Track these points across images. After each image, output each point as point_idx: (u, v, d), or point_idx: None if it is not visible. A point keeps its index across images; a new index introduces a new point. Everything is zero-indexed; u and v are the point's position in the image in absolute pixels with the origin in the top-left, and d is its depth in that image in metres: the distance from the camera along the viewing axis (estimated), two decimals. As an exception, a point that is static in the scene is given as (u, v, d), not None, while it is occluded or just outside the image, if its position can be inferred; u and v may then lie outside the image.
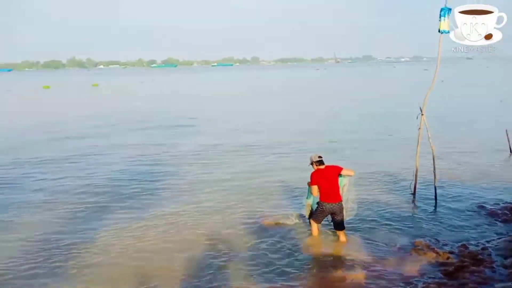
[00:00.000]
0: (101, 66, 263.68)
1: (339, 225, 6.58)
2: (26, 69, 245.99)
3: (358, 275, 5.69)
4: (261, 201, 8.65)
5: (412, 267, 5.77)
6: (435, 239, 6.60)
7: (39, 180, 10.51)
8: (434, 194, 8.32)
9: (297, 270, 5.84)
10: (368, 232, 6.99)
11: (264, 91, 43.12)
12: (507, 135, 12.07)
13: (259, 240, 6.77)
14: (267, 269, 5.87)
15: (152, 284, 5.57)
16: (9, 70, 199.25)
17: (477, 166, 10.92)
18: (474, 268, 5.52)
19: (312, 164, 6.63)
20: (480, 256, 5.83)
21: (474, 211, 7.78)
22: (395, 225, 7.26)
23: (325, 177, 6.44)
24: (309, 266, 5.99)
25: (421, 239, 6.55)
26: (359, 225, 7.25)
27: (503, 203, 8.05)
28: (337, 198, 6.47)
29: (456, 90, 34.90)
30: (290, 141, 14.90)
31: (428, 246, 6.27)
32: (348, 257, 6.16)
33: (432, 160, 8.32)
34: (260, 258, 6.20)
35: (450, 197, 8.54)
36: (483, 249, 6.12)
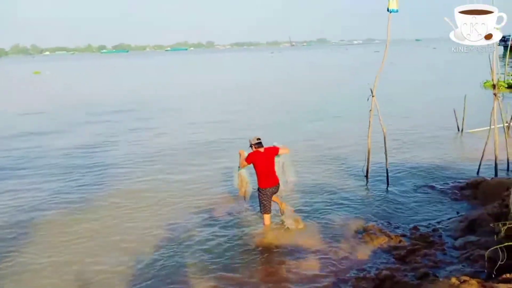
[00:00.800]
0: (47, 53, 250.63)
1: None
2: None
3: (311, 263, 5.48)
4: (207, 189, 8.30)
5: (364, 253, 5.63)
6: (387, 221, 6.52)
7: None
8: (386, 176, 8.28)
9: (248, 262, 5.55)
10: (321, 217, 6.82)
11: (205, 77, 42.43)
12: (455, 114, 12.32)
13: (210, 232, 6.42)
14: (218, 262, 5.54)
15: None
16: None
17: (427, 146, 11.10)
18: (426, 251, 5.44)
19: (251, 146, 6.54)
20: (431, 238, 5.77)
21: (425, 192, 7.79)
22: (348, 209, 7.13)
23: (264, 159, 6.39)
24: (261, 257, 5.70)
25: (373, 223, 6.44)
26: (312, 210, 7.08)
27: (452, 182, 8.12)
28: (276, 180, 6.50)
29: (405, 71, 35.86)
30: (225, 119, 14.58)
31: (380, 230, 6.16)
32: (300, 246, 5.92)
33: (383, 141, 8.25)
34: (210, 251, 5.85)
35: (401, 178, 8.54)
36: (434, 230, 6.08)
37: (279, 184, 6.55)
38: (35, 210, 7.56)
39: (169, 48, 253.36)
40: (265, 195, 6.42)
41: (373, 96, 8.18)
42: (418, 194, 7.68)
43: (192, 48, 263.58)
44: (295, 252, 5.77)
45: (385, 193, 7.87)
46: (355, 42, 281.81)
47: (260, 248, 5.94)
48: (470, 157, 9.59)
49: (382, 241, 5.87)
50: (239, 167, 6.72)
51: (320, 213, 6.99)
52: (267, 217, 6.56)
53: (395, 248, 5.66)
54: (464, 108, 12.01)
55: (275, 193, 6.54)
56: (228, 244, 6.04)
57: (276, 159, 6.60)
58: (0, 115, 19.51)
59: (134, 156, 11.08)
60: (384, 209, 7.06)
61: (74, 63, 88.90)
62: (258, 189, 6.47)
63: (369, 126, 8.36)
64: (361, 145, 9.70)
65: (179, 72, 47.61)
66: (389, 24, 7.79)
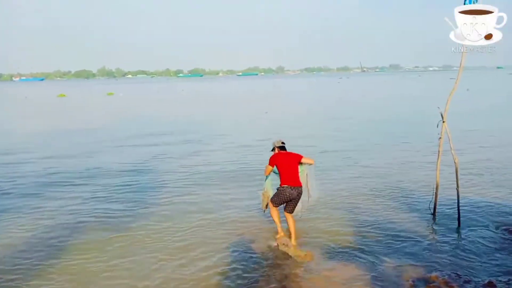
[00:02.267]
0: (129, 76, 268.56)
1: (290, 209, 6.41)
2: (58, 78, 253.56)
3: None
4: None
5: (424, 312, 4.58)
6: (456, 273, 5.35)
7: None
8: (457, 215, 7.06)
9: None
10: (370, 260, 5.82)
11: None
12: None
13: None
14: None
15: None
16: (42, 79, 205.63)
17: (505, 181, 9.51)
18: (504, 318, 4.29)
19: (274, 149, 6.65)
20: (512, 301, 4.59)
21: (506, 237, 6.46)
22: (407, 253, 6.05)
23: (286, 160, 6.35)
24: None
25: (437, 273, 5.33)
26: (360, 249, 6.11)
27: (542, 228, 6.69)
28: (298, 182, 6.33)
29: (482, 98, 32.97)
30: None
31: (446, 283, 5.06)
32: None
33: (455, 174, 7.08)
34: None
35: (476, 219, 7.21)
36: (516, 290, 4.86)
37: (301, 188, 6.32)
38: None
39: (240, 73, 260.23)
40: (282, 192, 6.25)
41: (443, 122, 7.09)
42: (497, 240, 6.38)
43: (262, 73, 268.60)
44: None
45: (455, 235, 6.65)
46: (431, 68, 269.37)
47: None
48: None
49: (447, 297, 4.78)
50: (263, 188, 6.70)
51: (369, 254, 6.00)
52: (275, 212, 6.47)
53: (464, 309, 4.55)
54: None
55: (294, 197, 6.25)
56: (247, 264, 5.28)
57: (300, 168, 6.48)
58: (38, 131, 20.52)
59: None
60: (453, 256, 5.88)
61: (148, 86, 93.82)
62: (278, 188, 6.37)
63: (438, 156, 7.23)
64: (429, 177, 8.48)
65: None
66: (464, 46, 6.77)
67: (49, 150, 15.12)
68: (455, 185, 7.05)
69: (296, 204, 6.41)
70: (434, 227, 7.06)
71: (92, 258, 6.09)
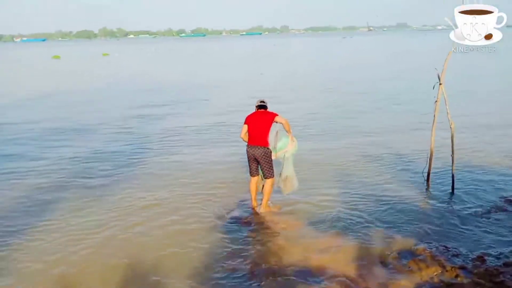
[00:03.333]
0: (132, 36, 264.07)
1: (264, 173, 6.15)
2: (60, 38, 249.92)
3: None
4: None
5: (405, 287, 4.33)
6: (444, 246, 5.07)
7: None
8: (451, 184, 6.74)
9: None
10: (357, 229, 5.57)
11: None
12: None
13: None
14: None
15: None
16: (43, 40, 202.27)
17: (504, 148, 9.09)
18: (490, 296, 4.03)
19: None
20: (501, 277, 4.31)
21: (500, 208, 6.14)
22: (396, 223, 5.77)
23: (256, 119, 6.04)
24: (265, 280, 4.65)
25: (425, 245, 5.06)
26: (353, 221, 5.82)
27: (539, 198, 6.37)
28: (258, 141, 6.00)
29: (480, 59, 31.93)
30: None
31: (433, 257, 4.79)
32: (327, 267, 4.75)
33: (450, 140, 6.69)
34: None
35: (470, 188, 6.88)
36: (505, 264, 4.57)
37: (263, 148, 5.99)
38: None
39: (244, 33, 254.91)
40: (247, 154, 6.13)
41: (440, 84, 6.62)
42: (491, 211, 6.06)
43: (266, 33, 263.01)
44: (315, 274, 4.61)
45: (447, 205, 6.33)
46: (439, 27, 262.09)
47: (265, 266, 4.87)
48: None
49: (432, 272, 4.53)
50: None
51: (357, 224, 5.74)
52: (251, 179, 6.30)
53: (449, 285, 4.29)
54: None
55: (256, 156, 6.02)
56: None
57: (283, 140, 6.16)
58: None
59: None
60: (443, 228, 5.60)
61: (147, 46, 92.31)
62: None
63: (433, 121, 6.81)
64: (423, 143, 8.10)
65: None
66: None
67: (25, 112, 14.83)
68: (451, 151, 6.69)
69: (267, 167, 6.06)
70: (426, 195, 6.76)
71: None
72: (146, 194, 6.95)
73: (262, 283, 4.52)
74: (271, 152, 6.08)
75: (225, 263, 4.86)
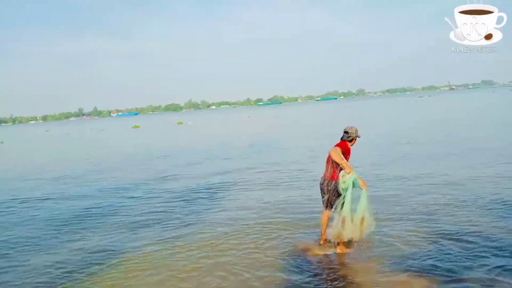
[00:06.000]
0: (213, 107, 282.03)
1: (325, 204, 6.04)
2: (150, 112, 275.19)
3: None
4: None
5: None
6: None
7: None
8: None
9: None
10: (447, 278, 4.96)
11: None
12: None
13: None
14: None
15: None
16: (136, 114, 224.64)
17: None
18: None
19: (353, 139, 6.00)
20: None
21: None
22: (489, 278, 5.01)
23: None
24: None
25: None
26: (436, 265, 5.23)
27: None
28: (324, 176, 6.01)
29: None
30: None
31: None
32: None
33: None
34: None
35: None
36: None
37: (328, 182, 5.88)
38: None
39: (319, 98, 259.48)
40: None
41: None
42: None
43: (342, 97, 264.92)
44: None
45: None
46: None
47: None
48: None
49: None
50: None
51: (443, 270, 5.11)
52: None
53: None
54: None
55: (323, 192, 5.97)
56: None
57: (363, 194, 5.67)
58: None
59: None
60: None
61: (223, 115, 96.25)
62: None
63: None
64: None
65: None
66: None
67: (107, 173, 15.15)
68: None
69: (328, 199, 5.89)
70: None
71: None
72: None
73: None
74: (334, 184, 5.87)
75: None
